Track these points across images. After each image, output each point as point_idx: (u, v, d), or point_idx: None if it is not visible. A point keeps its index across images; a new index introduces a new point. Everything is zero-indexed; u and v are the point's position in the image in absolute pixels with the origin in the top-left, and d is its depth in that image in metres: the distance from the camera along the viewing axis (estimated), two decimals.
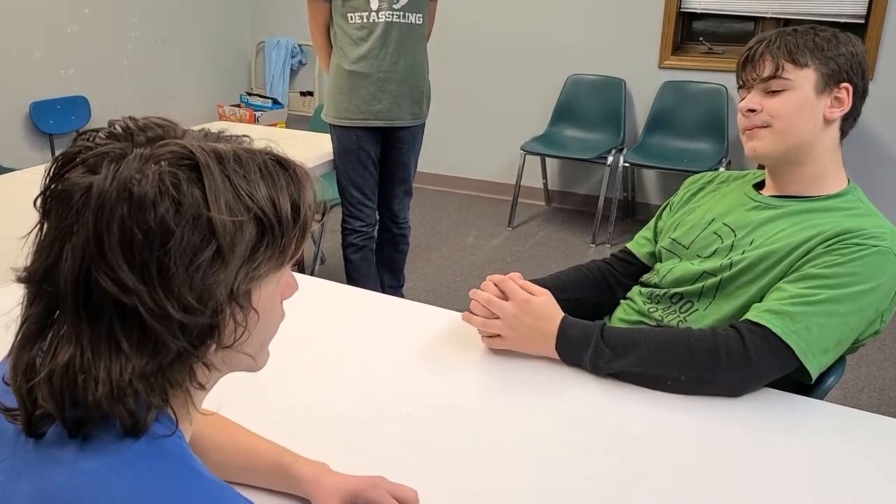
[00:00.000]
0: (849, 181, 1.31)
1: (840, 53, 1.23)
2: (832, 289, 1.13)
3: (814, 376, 1.14)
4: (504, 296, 1.25)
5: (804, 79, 1.22)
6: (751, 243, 1.27)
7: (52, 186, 0.58)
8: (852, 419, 1.14)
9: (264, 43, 5.33)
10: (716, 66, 4.08)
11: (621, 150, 4.14)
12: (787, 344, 1.11)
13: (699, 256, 1.33)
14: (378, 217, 3.01)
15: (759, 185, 1.38)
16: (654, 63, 4.18)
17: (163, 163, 0.56)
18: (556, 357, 1.23)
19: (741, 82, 1.28)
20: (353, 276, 2.97)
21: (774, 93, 1.24)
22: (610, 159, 4.07)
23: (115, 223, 0.55)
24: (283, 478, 0.93)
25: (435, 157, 4.58)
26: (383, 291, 3.07)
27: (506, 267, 3.72)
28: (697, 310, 1.30)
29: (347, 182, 2.84)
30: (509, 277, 1.27)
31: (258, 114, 5.05)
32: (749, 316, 1.17)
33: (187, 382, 0.61)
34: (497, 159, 4.69)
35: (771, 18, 3.96)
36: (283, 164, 0.63)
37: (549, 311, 1.24)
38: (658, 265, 1.42)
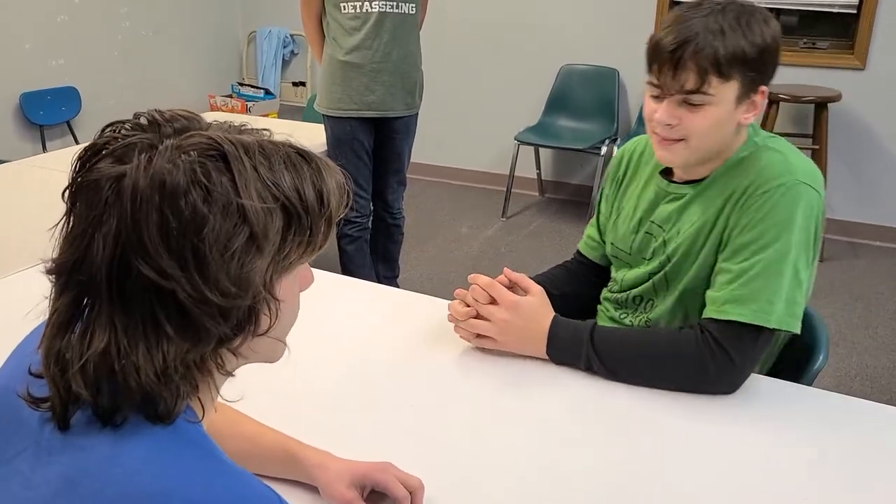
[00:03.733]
0: (748, 134, 1.24)
1: (764, 60, 1.14)
2: (764, 250, 1.13)
3: (798, 330, 1.16)
4: (492, 299, 1.22)
5: (727, 92, 1.13)
6: (679, 233, 1.27)
7: (80, 177, 0.59)
8: (847, 406, 1.15)
9: (256, 33, 5.30)
10: None
11: (615, 140, 4.14)
12: (759, 326, 1.12)
13: (644, 259, 1.35)
14: (372, 208, 3.01)
15: (667, 170, 1.34)
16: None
17: (192, 153, 0.58)
18: (546, 358, 1.21)
19: (656, 83, 1.16)
20: (348, 267, 2.97)
21: (693, 105, 1.14)
22: (604, 149, 4.07)
23: (151, 211, 0.56)
24: (290, 464, 0.94)
25: (429, 147, 4.57)
26: (378, 282, 3.07)
27: (500, 257, 3.72)
28: (657, 305, 1.33)
29: None
30: (502, 276, 1.24)
31: (250, 104, 5.02)
32: (712, 314, 1.16)
33: (215, 370, 0.63)
34: (491, 149, 4.69)
35: (763, 8, 3.96)
36: (305, 157, 0.64)
37: (539, 311, 1.22)
38: (614, 273, 1.43)
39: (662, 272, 1.30)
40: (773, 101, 3.68)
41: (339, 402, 1.14)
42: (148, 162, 0.57)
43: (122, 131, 0.61)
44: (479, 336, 1.23)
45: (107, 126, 0.62)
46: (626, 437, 1.07)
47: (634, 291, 1.36)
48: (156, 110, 0.63)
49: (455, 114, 4.72)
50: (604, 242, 1.46)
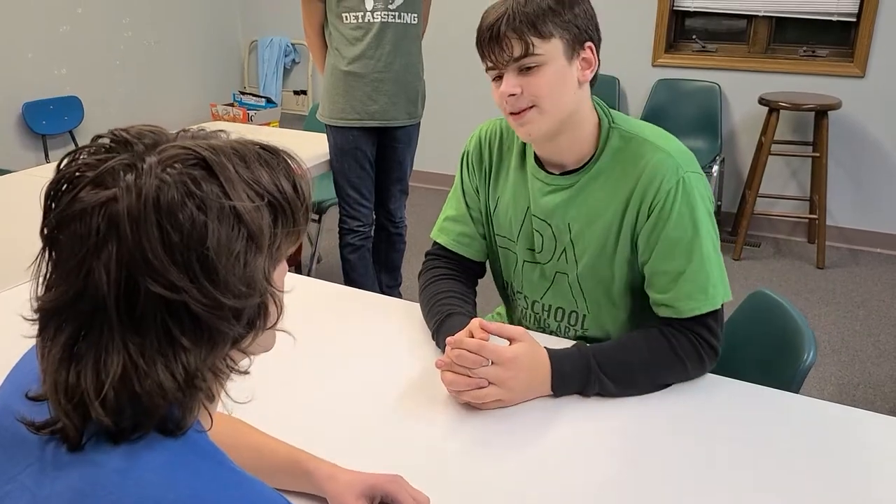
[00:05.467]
0: (599, 115, 1.29)
1: (576, 14, 1.21)
2: (691, 243, 1.22)
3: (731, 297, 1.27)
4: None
5: (553, 50, 1.19)
6: (569, 229, 1.32)
7: (61, 210, 0.58)
8: (845, 416, 1.15)
9: (257, 42, 5.32)
10: (709, 63, 4.09)
11: None
12: (715, 309, 1.24)
13: (532, 251, 1.38)
14: (374, 216, 3.01)
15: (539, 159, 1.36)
16: (647, 61, 4.20)
17: (177, 165, 0.58)
18: (549, 395, 1.19)
19: (490, 65, 1.22)
20: (350, 276, 2.97)
21: (528, 70, 1.19)
22: None
23: (152, 230, 0.56)
24: (299, 475, 0.94)
25: (431, 155, 4.58)
26: (381, 290, 3.07)
27: None
28: (584, 315, 1.37)
29: (344, 182, 2.84)
30: (475, 328, 1.17)
31: (251, 113, 5.04)
32: (677, 314, 1.23)
33: (228, 372, 0.64)
34: None
35: (763, 16, 3.98)
36: (272, 151, 0.66)
37: (536, 356, 1.17)
38: (508, 276, 1.45)
39: (574, 275, 1.34)
40: (774, 109, 3.70)
41: (346, 413, 1.14)
42: (136, 182, 0.57)
43: (91, 156, 0.60)
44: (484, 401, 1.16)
45: (66, 155, 0.61)
46: (635, 456, 1.07)
47: (549, 301, 1.39)
48: (118, 129, 0.63)
49: (457, 122, 4.73)
50: (482, 237, 1.46)
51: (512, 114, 1.24)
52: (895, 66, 3.72)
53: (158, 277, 0.56)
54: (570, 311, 1.39)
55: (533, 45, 1.18)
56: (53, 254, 0.59)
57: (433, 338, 1.33)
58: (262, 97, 5.24)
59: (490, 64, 1.22)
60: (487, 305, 1.54)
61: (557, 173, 1.31)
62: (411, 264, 3.61)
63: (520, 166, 1.38)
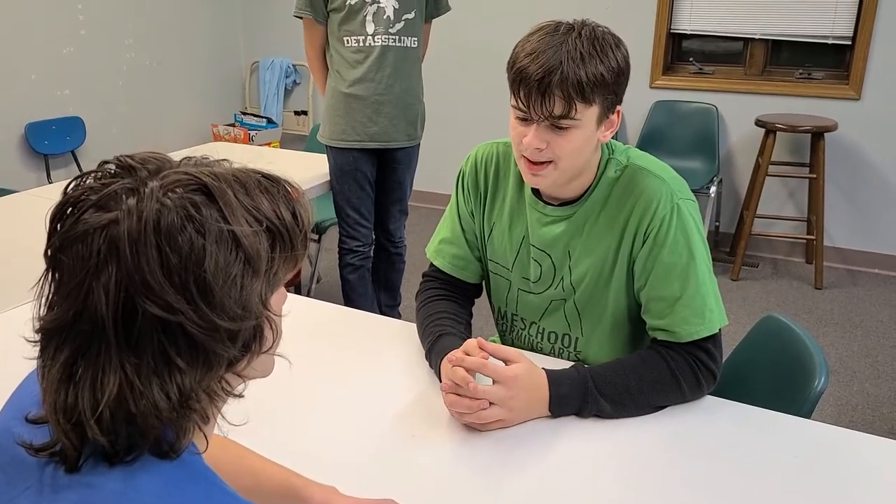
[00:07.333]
0: (602, 149, 1.30)
1: (619, 83, 1.20)
2: (687, 268, 1.23)
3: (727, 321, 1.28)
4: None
5: (590, 116, 1.19)
6: (569, 257, 1.33)
7: (65, 233, 0.60)
8: (847, 438, 1.16)
9: (258, 63, 5.37)
10: (706, 85, 4.13)
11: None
12: (713, 333, 1.25)
13: (527, 280, 1.39)
14: (374, 237, 3.03)
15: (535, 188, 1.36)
16: (645, 83, 4.24)
17: (178, 190, 0.60)
18: (547, 416, 1.19)
19: (523, 110, 1.19)
20: (350, 296, 2.98)
21: (561, 129, 1.18)
22: None
23: (152, 252, 0.58)
24: (294, 500, 0.94)
25: (431, 176, 4.61)
26: (380, 310, 3.08)
27: None
28: (581, 340, 1.38)
29: (344, 203, 2.86)
30: (478, 355, 1.17)
31: (252, 133, 5.07)
32: (674, 338, 1.24)
33: (223, 395, 0.65)
34: None
35: (760, 39, 4.02)
36: (273, 180, 0.68)
37: (534, 377, 1.18)
38: (499, 303, 1.46)
39: (571, 301, 1.35)
40: (771, 131, 3.73)
41: (344, 436, 1.15)
42: (137, 205, 0.58)
43: (96, 181, 0.62)
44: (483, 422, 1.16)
45: (73, 180, 0.63)
46: (636, 478, 1.07)
47: (544, 325, 1.40)
48: (123, 156, 0.64)
49: (456, 143, 4.76)
50: (477, 260, 1.47)
51: (528, 161, 1.23)
52: (890, 88, 3.75)
53: (156, 298, 0.57)
54: (563, 335, 1.40)
55: (576, 109, 1.16)
56: (56, 274, 0.60)
57: (426, 357, 1.33)
58: (263, 118, 5.28)
59: (522, 109, 1.19)
60: (486, 325, 1.55)
61: (555, 203, 1.33)
62: (411, 284, 3.62)
63: (517, 194, 1.39)
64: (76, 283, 0.58)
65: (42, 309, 0.61)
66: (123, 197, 0.59)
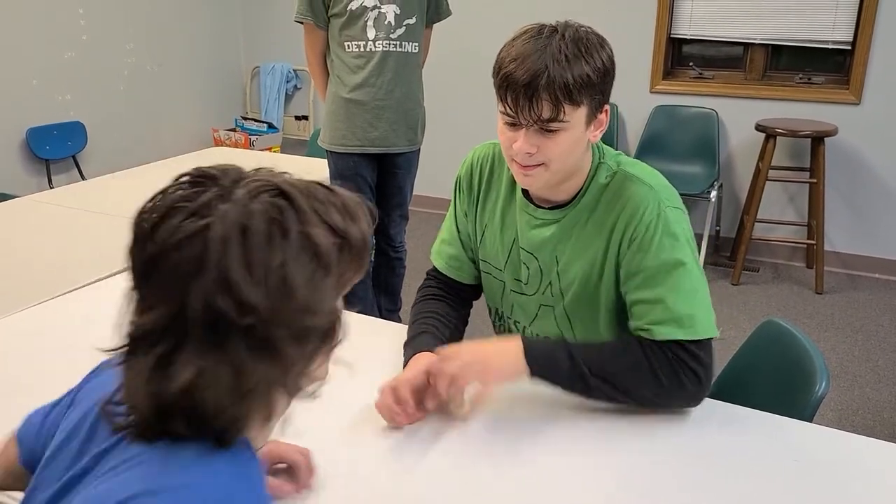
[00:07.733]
0: (593, 152, 1.30)
1: (606, 82, 1.20)
2: (671, 273, 1.21)
3: (717, 334, 1.24)
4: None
5: (579, 117, 1.19)
6: (557, 262, 1.33)
7: (162, 238, 0.64)
8: (849, 444, 1.16)
9: (259, 68, 5.38)
10: (706, 90, 4.14)
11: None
12: (698, 339, 1.20)
13: (519, 281, 1.39)
14: (374, 241, 3.03)
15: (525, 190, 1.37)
16: (645, 88, 4.25)
17: (262, 195, 0.66)
18: (525, 375, 1.19)
19: (511, 115, 1.18)
20: (349, 300, 2.97)
21: (550, 132, 1.18)
22: None
23: (241, 255, 0.63)
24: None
25: (431, 180, 4.62)
26: (380, 315, 3.08)
27: None
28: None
29: None
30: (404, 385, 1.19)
31: (253, 138, 5.08)
32: (650, 335, 1.21)
33: (291, 391, 0.70)
34: None
35: (760, 44, 4.03)
36: (333, 191, 0.73)
37: (494, 344, 1.21)
38: (497, 301, 1.46)
39: (558, 307, 1.35)
40: (771, 136, 3.73)
41: (341, 439, 1.15)
42: (229, 210, 0.64)
43: (184, 190, 0.66)
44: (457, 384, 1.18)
45: (161, 192, 0.67)
46: (637, 481, 1.08)
47: (536, 330, 1.40)
48: (202, 167, 0.69)
49: (457, 148, 4.76)
50: (471, 261, 1.48)
51: (519, 165, 1.23)
52: (890, 92, 3.76)
53: (244, 297, 0.62)
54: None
55: (564, 112, 1.16)
56: (152, 279, 0.64)
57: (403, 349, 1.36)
58: (263, 122, 5.29)
59: (511, 114, 1.19)
60: (485, 326, 1.56)
61: (546, 207, 1.33)
62: (411, 288, 3.62)
63: (508, 197, 1.39)
64: (176, 286, 0.63)
65: (132, 314, 0.65)
66: (215, 204, 0.64)
